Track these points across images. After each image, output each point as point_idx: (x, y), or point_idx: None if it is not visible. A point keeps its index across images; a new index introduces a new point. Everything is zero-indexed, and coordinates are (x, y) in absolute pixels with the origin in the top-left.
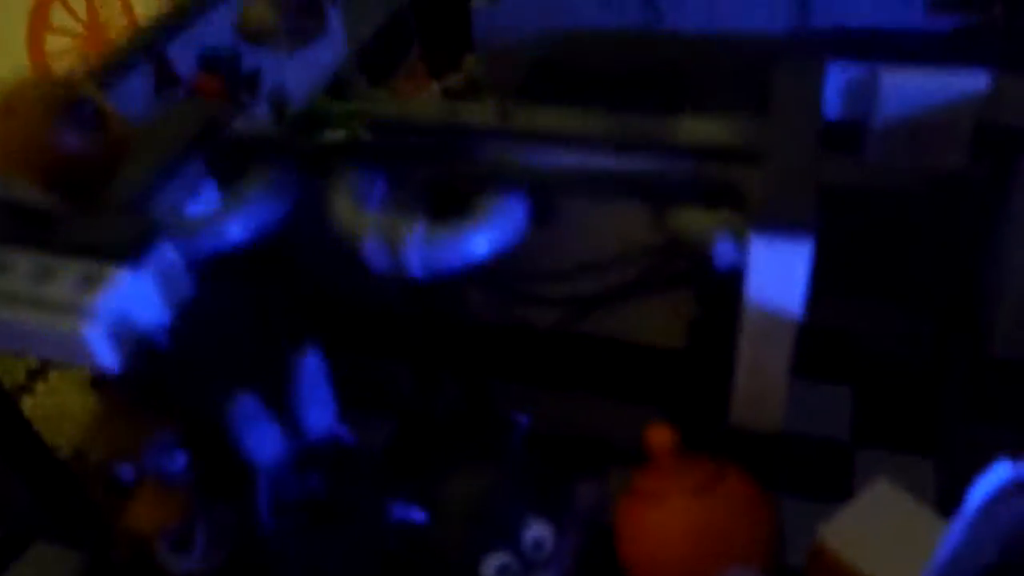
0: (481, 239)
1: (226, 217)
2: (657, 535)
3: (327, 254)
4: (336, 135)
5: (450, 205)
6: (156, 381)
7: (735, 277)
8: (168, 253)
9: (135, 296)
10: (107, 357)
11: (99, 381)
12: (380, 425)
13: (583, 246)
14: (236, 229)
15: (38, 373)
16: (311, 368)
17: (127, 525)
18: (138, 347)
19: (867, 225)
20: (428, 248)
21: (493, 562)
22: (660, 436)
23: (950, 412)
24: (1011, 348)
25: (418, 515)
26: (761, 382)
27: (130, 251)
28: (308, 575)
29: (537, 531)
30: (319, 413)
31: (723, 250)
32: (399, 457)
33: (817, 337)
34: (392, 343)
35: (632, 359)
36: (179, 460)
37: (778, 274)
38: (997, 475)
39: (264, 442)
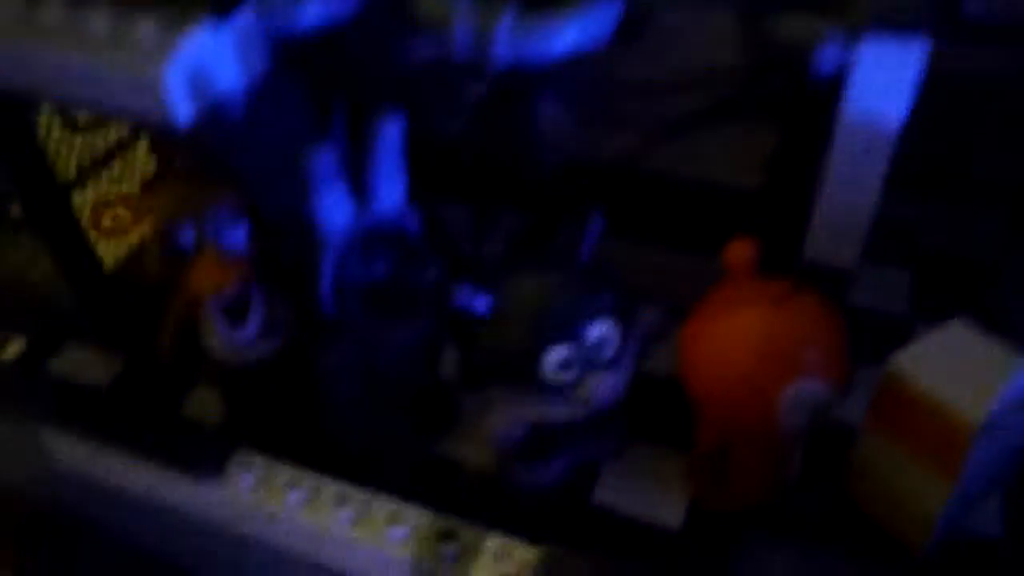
0: (570, 32)
1: None
2: (726, 348)
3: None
4: None
5: None
6: (226, 147)
7: (833, 89)
8: (252, 19)
9: (215, 52)
10: (181, 109)
11: (163, 143)
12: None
13: (669, 63)
14: (315, 9)
15: (90, 170)
16: (390, 134)
17: (183, 290)
18: (212, 107)
19: (944, 112)
20: (515, 36)
21: (555, 355)
22: (740, 250)
23: (1010, 298)
24: None
25: (481, 304)
26: (846, 208)
27: (218, 4)
28: (362, 365)
29: (602, 330)
30: (390, 188)
31: (827, 56)
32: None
33: (880, 224)
34: (452, 178)
35: (704, 199)
36: (239, 230)
37: (885, 79)
38: None
39: (335, 209)
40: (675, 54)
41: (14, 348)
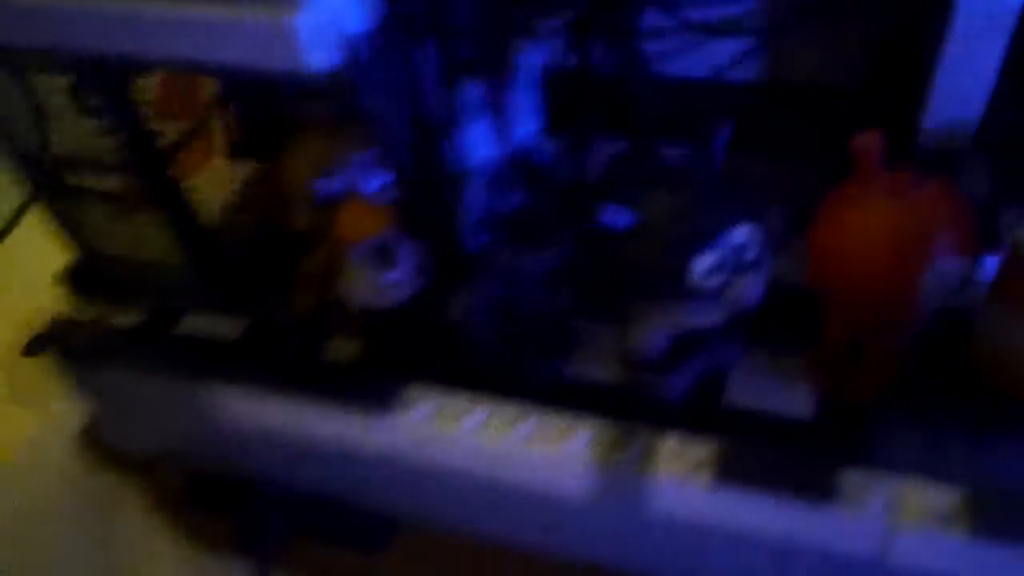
0: None
1: None
2: (863, 241)
3: None
4: None
5: None
6: (360, 92)
7: None
8: None
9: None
10: (316, 56)
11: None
12: None
13: None
14: None
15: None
16: (531, 67)
17: (330, 240)
18: (346, 52)
19: None
20: None
21: (703, 262)
22: (868, 142)
23: None
24: None
25: (625, 218)
26: (961, 92)
27: None
28: (504, 298)
29: (744, 233)
30: (528, 119)
31: None
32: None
33: None
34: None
35: (805, 101)
36: (377, 178)
37: None
38: None
39: (479, 141)
40: None
41: (133, 318)
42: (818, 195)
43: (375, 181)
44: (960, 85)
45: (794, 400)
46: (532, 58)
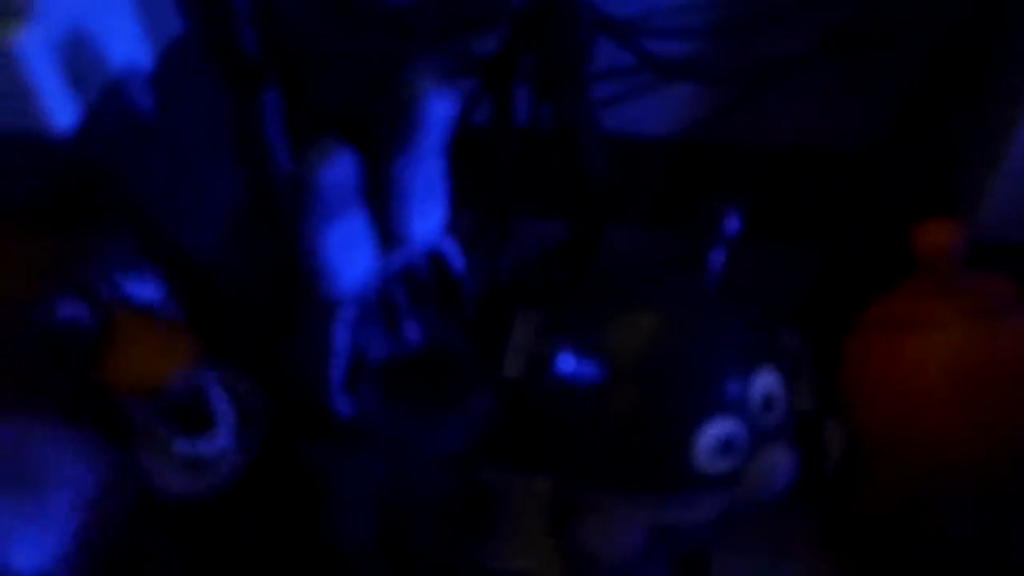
0: None
1: None
2: (917, 374)
3: None
4: None
5: None
6: (126, 162)
7: None
8: None
9: (98, 6)
10: (55, 101)
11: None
12: None
13: None
14: None
15: None
16: (433, 120)
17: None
18: (104, 99)
19: None
20: None
21: (713, 434)
22: (937, 235)
23: None
24: None
25: (589, 369)
26: None
27: None
28: (386, 478)
29: (767, 382)
30: (428, 207)
31: None
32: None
33: None
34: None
35: (800, 169)
36: (150, 283)
37: None
38: None
39: (350, 251)
40: None
41: None
42: (833, 291)
43: (144, 286)
44: None
45: None
46: (436, 108)
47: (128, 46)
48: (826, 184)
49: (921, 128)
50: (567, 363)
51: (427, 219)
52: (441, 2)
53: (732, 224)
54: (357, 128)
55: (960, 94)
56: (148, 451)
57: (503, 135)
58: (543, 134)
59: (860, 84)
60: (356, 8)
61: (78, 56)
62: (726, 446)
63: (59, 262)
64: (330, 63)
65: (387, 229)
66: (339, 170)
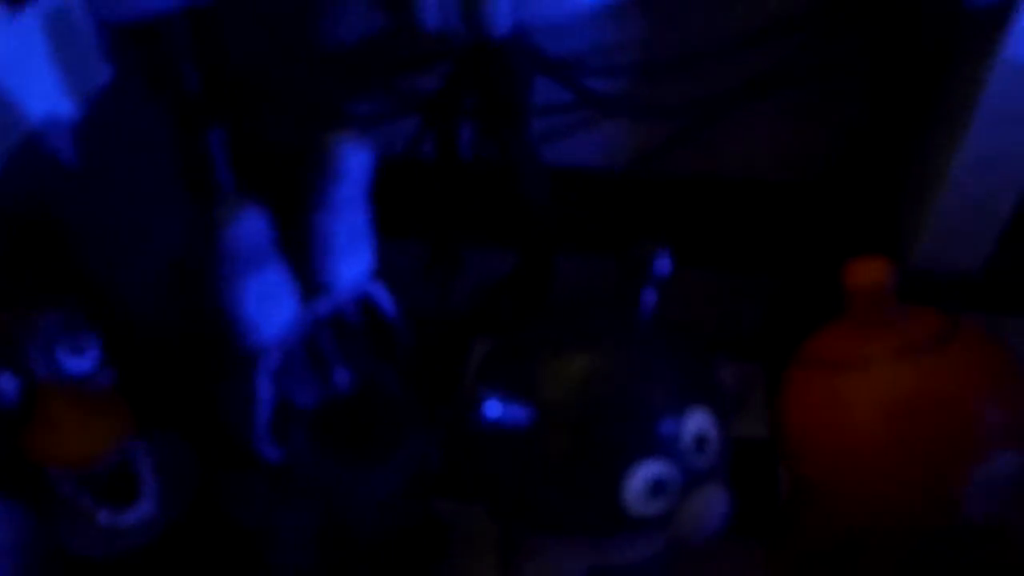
0: None
1: None
2: (855, 414)
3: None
4: None
5: None
6: (51, 212)
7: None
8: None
9: (18, 50)
10: None
11: None
12: None
13: (713, 22)
14: None
15: None
16: (355, 170)
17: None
18: (22, 152)
19: None
20: None
21: (643, 477)
22: (869, 271)
23: None
24: None
25: (517, 414)
26: (979, 194)
27: None
28: (320, 526)
29: (700, 422)
30: (355, 256)
31: None
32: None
33: None
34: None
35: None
36: (87, 353)
37: None
38: None
39: (270, 301)
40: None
41: None
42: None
43: (81, 360)
44: (984, 183)
45: None
46: (351, 161)
47: (48, 99)
48: (771, 216)
49: (864, 160)
50: (494, 409)
51: (353, 266)
52: (385, 41)
53: (662, 264)
54: (297, 168)
55: (901, 126)
56: (69, 518)
57: (448, 169)
58: (488, 167)
59: (803, 117)
60: (300, 47)
61: None
62: (657, 488)
63: None
64: (274, 101)
65: (310, 278)
66: (248, 226)
